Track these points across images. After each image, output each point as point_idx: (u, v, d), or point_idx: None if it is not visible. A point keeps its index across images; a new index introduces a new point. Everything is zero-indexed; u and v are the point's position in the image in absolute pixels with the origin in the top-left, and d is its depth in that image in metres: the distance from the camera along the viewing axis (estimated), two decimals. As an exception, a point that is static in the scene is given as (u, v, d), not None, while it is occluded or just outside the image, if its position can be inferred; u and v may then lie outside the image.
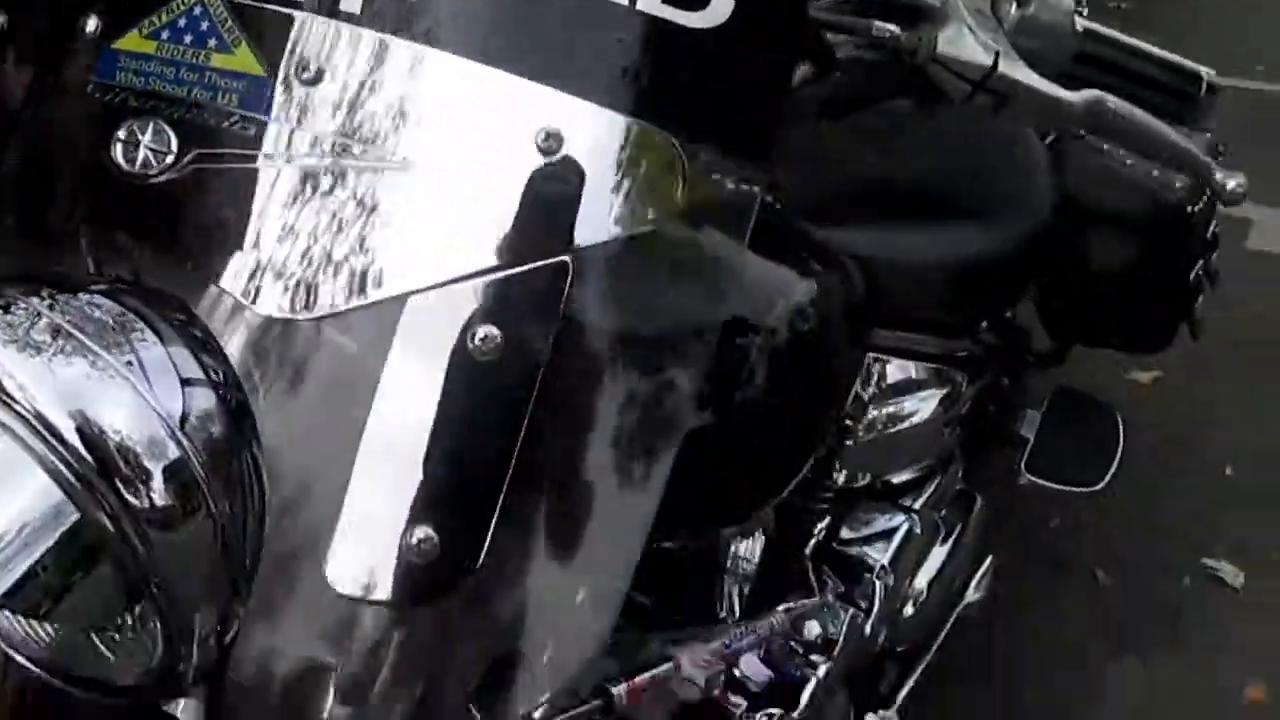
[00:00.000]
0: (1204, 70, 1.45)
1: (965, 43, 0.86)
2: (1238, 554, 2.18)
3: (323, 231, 0.63)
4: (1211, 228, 1.95)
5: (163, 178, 0.67)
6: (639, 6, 0.65)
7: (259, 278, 0.64)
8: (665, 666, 0.88)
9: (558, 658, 0.65)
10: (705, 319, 0.68)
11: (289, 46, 0.66)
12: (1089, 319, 1.78)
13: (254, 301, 0.64)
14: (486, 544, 0.59)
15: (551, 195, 0.62)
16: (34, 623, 0.65)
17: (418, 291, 0.60)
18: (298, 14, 0.66)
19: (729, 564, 1.27)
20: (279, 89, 0.66)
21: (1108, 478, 1.77)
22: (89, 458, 0.60)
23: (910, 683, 1.61)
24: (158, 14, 0.70)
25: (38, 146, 0.78)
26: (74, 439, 0.60)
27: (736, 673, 1.38)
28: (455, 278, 0.60)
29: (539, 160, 0.63)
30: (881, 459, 1.56)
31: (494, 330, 0.60)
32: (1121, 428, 1.86)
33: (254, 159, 0.65)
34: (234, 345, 0.64)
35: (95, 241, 0.71)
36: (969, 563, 1.68)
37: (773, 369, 0.92)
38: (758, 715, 1.28)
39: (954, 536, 1.62)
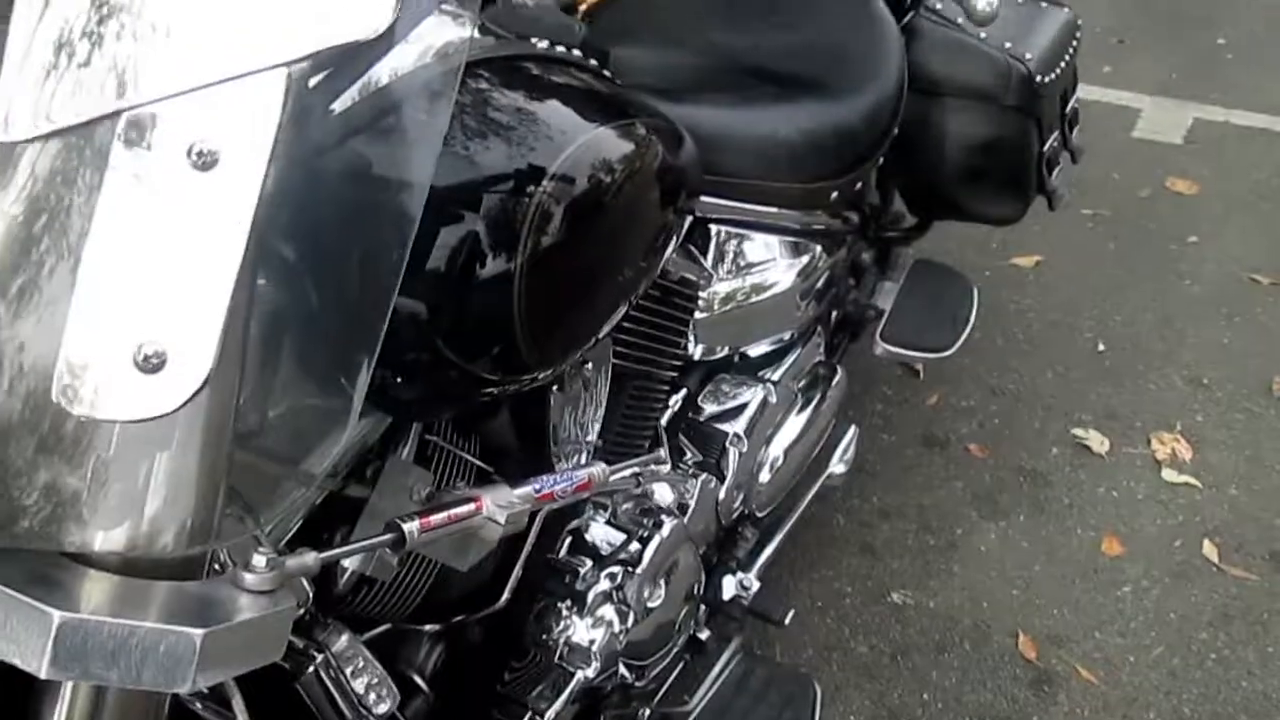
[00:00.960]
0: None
1: None
2: (1105, 423, 2.26)
3: (39, 49, 0.62)
4: (1070, 102, 1.99)
5: None
6: None
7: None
8: (466, 506, 0.90)
9: (308, 457, 0.66)
10: (429, 136, 0.68)
11: None
12: (943, 190, 1.81)
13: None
14: (216, 352, 0.60)
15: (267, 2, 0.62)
16: None
17: (135, 106, 0.60)
18: None
19: (572, 434, 1.28)
20: None
21: (958, 343, 1.81)
22: None
23: (771, 548, 1.65)
24: None
25: None
26: None
27: (587, 537, 1.42)
28: (172, 93, 0.60)
29: None
30: (738, 331, 1.59)
31: (210, 143, 0.60)
32: (976, 296, 1.90)
33: None
34: None
35: None
36: (828, 432, 1.72)
37: (568, 217, 0.93)
38: (601, 574, 1.31)
39: (812, 406, 1.66)
